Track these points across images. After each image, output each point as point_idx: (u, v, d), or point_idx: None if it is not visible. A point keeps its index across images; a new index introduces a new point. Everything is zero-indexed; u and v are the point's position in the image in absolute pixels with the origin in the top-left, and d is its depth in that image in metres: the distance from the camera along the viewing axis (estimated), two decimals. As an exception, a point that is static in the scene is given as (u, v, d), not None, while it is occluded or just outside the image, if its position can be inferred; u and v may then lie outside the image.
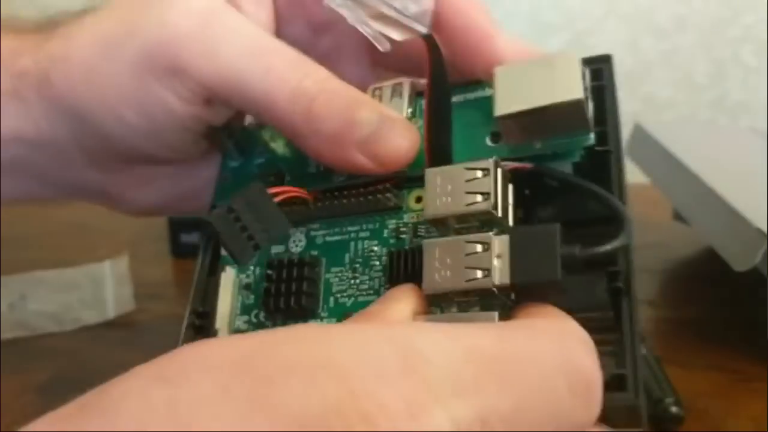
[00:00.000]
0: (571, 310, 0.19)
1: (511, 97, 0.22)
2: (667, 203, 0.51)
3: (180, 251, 0.52)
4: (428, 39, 0.24)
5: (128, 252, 0.51)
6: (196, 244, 0.51)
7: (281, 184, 0.27)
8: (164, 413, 0.13)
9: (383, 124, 0.24)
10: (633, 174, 0.54)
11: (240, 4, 0.27)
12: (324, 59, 0.26)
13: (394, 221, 0.25)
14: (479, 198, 0.21)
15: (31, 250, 0.53)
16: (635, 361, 0.19)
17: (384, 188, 0.25)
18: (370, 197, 0.25)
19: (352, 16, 0.24)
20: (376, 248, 0.24)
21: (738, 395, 0.37)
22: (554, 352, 0.17)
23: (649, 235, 0.53)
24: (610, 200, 0.22)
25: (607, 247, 0.20)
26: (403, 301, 0.20)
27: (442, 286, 0.20)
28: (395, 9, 0.24)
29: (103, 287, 0.48)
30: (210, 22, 0.25)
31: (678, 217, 0.51)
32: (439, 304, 0.20)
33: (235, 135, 0.29)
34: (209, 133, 0.28)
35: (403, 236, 0.24)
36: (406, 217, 0.25)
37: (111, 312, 0.45)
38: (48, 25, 0.29)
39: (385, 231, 0.25)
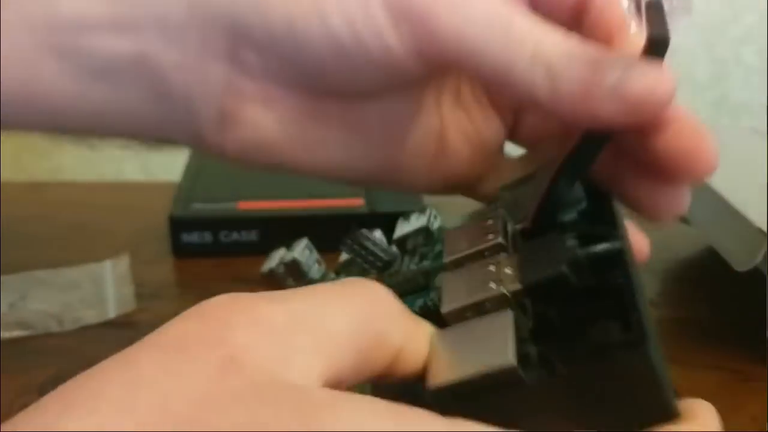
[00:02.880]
0: None
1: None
2: (668, 203, 0.51)
3: (181, 251, 0.52)
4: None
5: (129, 252, 0.51)
6: (197, 244, 0.52)
7: None
8: None
9: (631, 68, 0.21)
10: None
11: None
12: None
13: (422, 300, 0.25)
14: (491, 236, 0.22)
15: (31, 250, 0.53)
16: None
17: (417, 271, 0.26)
18: (401, 277, 0.26)
19: None
20: None
21: (738, 395, 0.37)
22: None
23: (649, 235, 0.53)
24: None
25: (605, 245, 0.21)
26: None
27: (459, 302, 0.21)
28: None
29: (104, 287, 0.48)
30: None
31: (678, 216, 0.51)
32: (455, 317, 0.21)
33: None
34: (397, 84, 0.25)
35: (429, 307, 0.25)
36: (433, 294, 0.25)
37: (112, 312, 0.45)
38: None
39: (412, 309, 0.25)
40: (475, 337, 0.20)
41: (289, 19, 0.23)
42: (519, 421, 0.18)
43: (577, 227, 0.23)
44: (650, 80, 0.21)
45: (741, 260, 0.36)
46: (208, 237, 0.52)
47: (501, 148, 0.29)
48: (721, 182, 0.41)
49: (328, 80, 0.25)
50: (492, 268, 0.21)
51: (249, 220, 0.52)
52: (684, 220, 0.48)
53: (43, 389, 0.38)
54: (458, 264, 0.22)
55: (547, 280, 0.20)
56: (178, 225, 0.51)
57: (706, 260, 0.50)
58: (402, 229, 0.27)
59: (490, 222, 0.23)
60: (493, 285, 0.21)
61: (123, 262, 0.50)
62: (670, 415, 0.19)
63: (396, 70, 0.24)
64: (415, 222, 0.27)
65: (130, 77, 0.24)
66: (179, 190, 0.55)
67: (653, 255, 0.50)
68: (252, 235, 0.52)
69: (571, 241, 0.21)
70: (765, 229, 0.35)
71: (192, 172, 0.58)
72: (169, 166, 1.03)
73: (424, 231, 0.26)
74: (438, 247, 0.26)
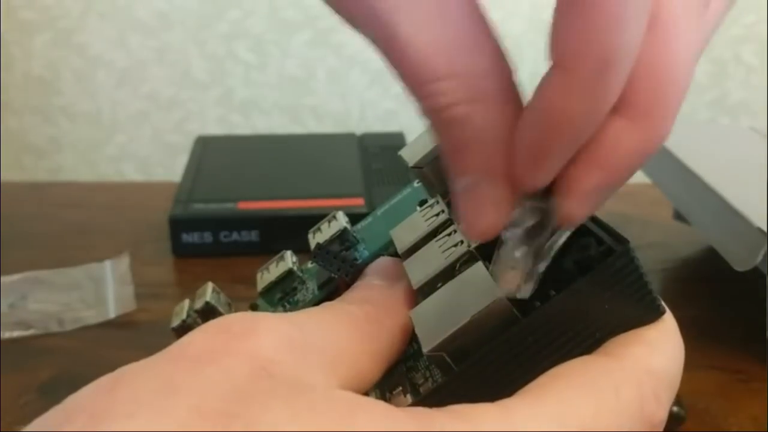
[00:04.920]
0: None
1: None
2: (667, 203, 0.51)
3: (181, 251, 0.52)
4: None
5: (129, 252, 0.51)
6: (196, 244, 0.52)
7: None
8: None
9: (470, 192, 0.18)
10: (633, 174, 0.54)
11: None
12: None
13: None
14: (436, 216, 0.23)
15: (31, 250, 0.53)
16: None
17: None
18: None
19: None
20: None
21: (738, 395, 0.37)
22: (631, 408, 0.18)
23: (649, 235, 0.53)
24: None
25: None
26: (403, 280, 0.22)
27: (427, 273, 0.21)
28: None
29: (104, 287, 0.48)
30: None
31: (678, 217, 0.51)
32: (426, 291, 0.21)
33: None
34: None
35: None
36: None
37: (112, 312, 0.45)
38: None
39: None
40: (453, 295, 0.20)
41: None
42: (520, 367, 0.18)
43: None
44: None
45: (741, 260, 0.36)
46: (208, 237, 0.52)
47: None
48: (721, 182, 0.41)
49: None
50: (450, 236, 0.21)
51: (249, 220, 0.52)
52: (684, 220, 0.48)
53: (43, 389, 0.38)
54: (414, 250, 0.22)
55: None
56: (178, 225, 0.51)
57: (706, 260, 0.50)
58: (316, 241, 0.26)
59: (429, 208, 0.23)
60: (456, 248, 0.21)
61: (123, 262, 0.50)
62: (658, 313, 0.19)
63: None
64: (328, 231, 0.26)
65: None
66: (179, 190, 0.55)
67: (653, 255, 0.50)
68: (252, 235, 0.52)
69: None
70: (765, 229, 0.35)
71: (192, 172, 0.58)
72: (169, 166, 1.03)
73: (339, 236, 0.26)
74: (361, 247, 0.26)
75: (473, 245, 0.20)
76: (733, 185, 0.41)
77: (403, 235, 0.23)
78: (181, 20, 0.98)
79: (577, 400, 0.17)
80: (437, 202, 0.23)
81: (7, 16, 0.96)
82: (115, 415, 0.15)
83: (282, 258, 0.28)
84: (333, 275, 0.25)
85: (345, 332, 0.19)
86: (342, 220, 0.26)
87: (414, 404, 0.18)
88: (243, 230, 0.52)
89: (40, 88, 1.00)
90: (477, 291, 0.19)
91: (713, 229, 0.40)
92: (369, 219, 0.28)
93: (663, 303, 0.19)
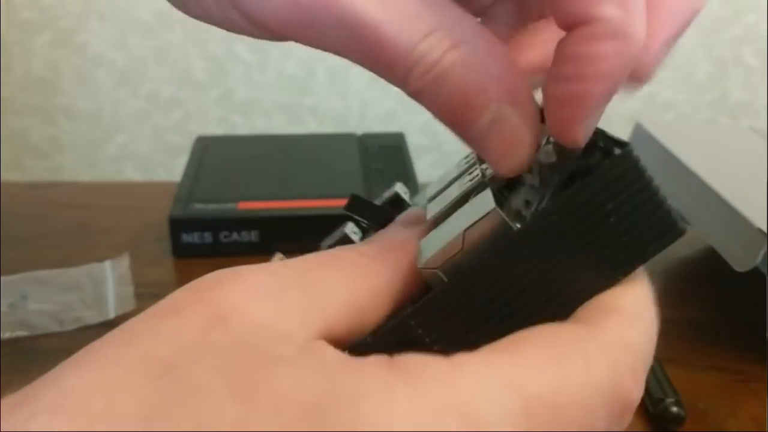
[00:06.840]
0: None
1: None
2: (668, 203, 0.51)
3: (181, 251, 0.52)
4: None
5: (129, 252, 0.51)
6: (196, 244, 0.52)
7: None
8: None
9: (498, 122, 0.18)
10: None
11: None
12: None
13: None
14: (464, 163, 0.22)
15: (31, 250, 0.53)
16: None
17: None
18: None
19: None
20: None
21: (738, 395, 0.37)
22: (604, 385, 0.17)
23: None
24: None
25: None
26: (409, 228, 0.21)
27: (443, 203, 0.21)
28: None
29: (104, 287, 0.48)
30: None
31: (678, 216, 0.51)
32: (439, 223, 0.20)
33: None
34: None
35: None
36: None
37: (112, 312, 0.45)
38: None
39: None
40: (456, 219, 0.19)
41: None
42: (521, 280, 0.17)
43: None
44: (505, 147, 0.19)
45: (741, 260, 0.36)
46: (208, 237, 0.52)
47: None
48: (721, 182, 0.41)
49: None
50: (470, 175, 0.21)
51: (249, 220, 0.52)
52: (684, 220, 0.48)
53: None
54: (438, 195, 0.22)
55: None
56: (178, 225, 0.51)
57: (706, 260, 0.50)
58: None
59: (465, 159, 0.23)
60: (472, 182, 0.20)
61: (123, 262, 0.50)
62: (675, 228, 0.17)
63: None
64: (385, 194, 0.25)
65: None
66: (179, 190, 0.55)
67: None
68: (252, 236, 0.52)
69: None
70: (765, 229, 0.35)
71: (192, 172, 0.58)
72: (169, 166, 1.03)
73: (391, 200, 0.25)
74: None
75: (489, 173, 0.20)
76: (733, 185, 0.41)
77: (434, 187, 0.23)
78: (181, 20, 0.97)
79: (541, 367, 0.16)
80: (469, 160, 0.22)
81: (7, 16, 0.96)
82: (74, 365, 0.16)
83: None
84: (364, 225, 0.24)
85: (336, 272, 0.19)
86: (400, 190, 0.26)
87: (397, 321, 0.18)
88: (243, 230, 0.52)
89: (40, 88, 1.00)
90: (476, 210, 0.18)
91: (713, 229, 0.40)
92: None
93: (681, 220, 0.18)
